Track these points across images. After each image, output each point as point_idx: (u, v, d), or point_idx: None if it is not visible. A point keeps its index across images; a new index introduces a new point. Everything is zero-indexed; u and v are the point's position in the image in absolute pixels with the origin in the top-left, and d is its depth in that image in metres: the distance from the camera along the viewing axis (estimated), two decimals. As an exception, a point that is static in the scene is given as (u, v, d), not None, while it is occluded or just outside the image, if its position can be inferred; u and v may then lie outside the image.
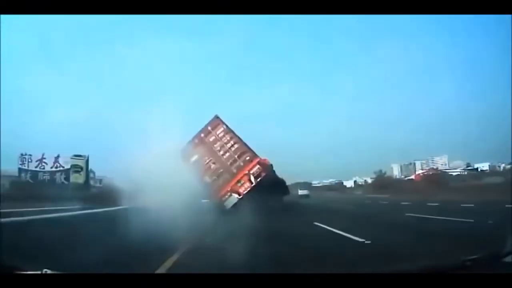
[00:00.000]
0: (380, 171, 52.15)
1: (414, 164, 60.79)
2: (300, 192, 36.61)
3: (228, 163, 12.29)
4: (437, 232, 6.46)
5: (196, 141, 12.89)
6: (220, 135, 12.75)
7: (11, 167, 28.31)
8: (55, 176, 29.22)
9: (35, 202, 13.93)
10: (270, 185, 12.62)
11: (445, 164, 57.45)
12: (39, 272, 1.67)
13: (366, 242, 5.22)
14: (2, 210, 7.99)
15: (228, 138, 12.66)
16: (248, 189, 11.69)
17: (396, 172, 62.14)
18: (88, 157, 29.73)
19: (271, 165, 12.53)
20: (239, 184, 11.80)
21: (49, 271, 1.68)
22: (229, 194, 11.72)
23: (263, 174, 11.90)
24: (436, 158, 59.55)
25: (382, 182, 45.06)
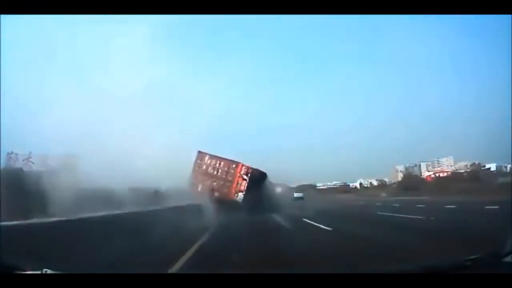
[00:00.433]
0: (407, 168, 49.54)
1: (419, 165, 60.53)
2: (295, 194, 38.27)
3: (224, 176, 17.95)
4: None
5: (196, 171, 18.87)
6: (208, 162, 18.79)
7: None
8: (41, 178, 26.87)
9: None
10: (257, 177, 18.02)
11: (451, 166, 57.21)
12: (39, 272, 1.68)
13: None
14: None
15: (215, 161, 18.51)
16: (246, 185, 17.40)
17: (401, 174, 62.03)
18: (78, 156, 26.18)
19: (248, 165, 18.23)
20: (239, 185, 17.47)
21: (49, 271, 1.68)
22: (236, 194, 17.34)
23: (250, 171, 17.69)
24: (441, 160, 59.26)
25: (410, 182, 38.54)
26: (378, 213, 13.76)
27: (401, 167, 61.69)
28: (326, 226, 8.91)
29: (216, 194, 17.26)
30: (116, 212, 7.51)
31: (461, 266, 1.81)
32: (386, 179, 59.40)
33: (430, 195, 25.21)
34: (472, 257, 1.82)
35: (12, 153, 27.08)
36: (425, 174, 53.37)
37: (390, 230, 8.14)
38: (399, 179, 48.07)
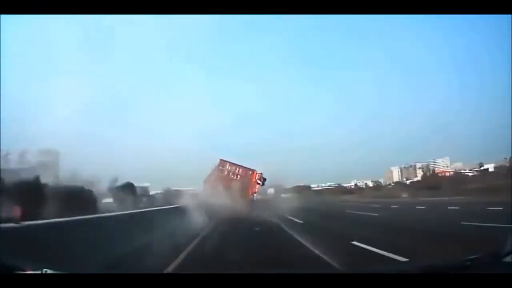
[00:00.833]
0: (427, 166, 47.30)
1: (415, 166, 60.47)
2: (283, 195, 38.86)
3: (242, 180, 22.51)
4: None
5: (217, 176, 23.11)
6: (228, 168, 23.20)
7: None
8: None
9: None
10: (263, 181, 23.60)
11: (447, 166, 57.12)
12: (39, 272, 1.68)
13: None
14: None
15: (234, 168, 23.11)
16: (259, 188, 22.91)
17: (396, 175, 61.81)
18: (58, 153, 25.51)
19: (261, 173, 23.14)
20: (253, 188, 22.51)
21: (49, 271, 1.68)
22: (252, 195, 22.46)
23: (263, 177, 22.76)
24: (438, 160, 59.17)
25: (431, 181, 34.22)
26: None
27: (396, 168, 61.57)
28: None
29: (235, 194, 21.59)
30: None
31: (461, 266, 1.81)
32: (381, 180, 59.43)
33: (460, 195, 23.93)
34: (472, 257, 1.82)
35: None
36: (441, 172, 51.78)
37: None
38: (419, 178, 45.72)
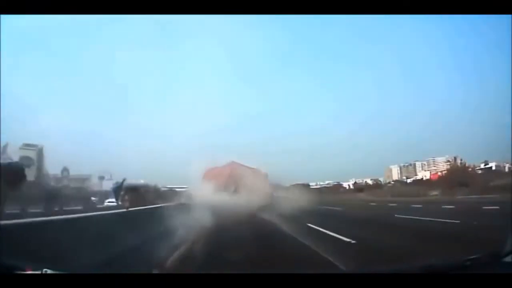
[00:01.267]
0: (401, 168, 46.66)
1: (414, 165, 60.38)
2: (287, 195, 38.79)
3: (253, 181, 22.61)
4: None
5: (230, 176, 23.63)
6: (240, 170, 23.80)
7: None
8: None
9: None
10: None
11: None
12: (39, 272, 1.68)
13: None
14: None
15: (245, 169, 23.88)
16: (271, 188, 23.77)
17: (395, 173, 61.65)
18: (41, 148, 24.22)
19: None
20: (266, 188, 23.17)
21: (49, 271, 1.68)
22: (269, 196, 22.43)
23: (268, 176, 24.06)
24: (437, 159, 59.09)
25: (460, 177, 28.13)
26: None
27: (395, 166, 61.40)
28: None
29: (247, 193, 22.16)
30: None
31: (461, 266, 1.81)
32: (381, 179, 59.23)
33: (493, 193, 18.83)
34: (472, 257, 1.82)
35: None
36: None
37: None
38: (450, 175, 36.64)
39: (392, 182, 54.59)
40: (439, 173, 39.30)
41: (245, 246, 6.17)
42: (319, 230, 8.77)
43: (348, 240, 6.78)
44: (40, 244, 3.43)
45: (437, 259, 2.16)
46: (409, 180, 52.48)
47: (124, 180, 24.18)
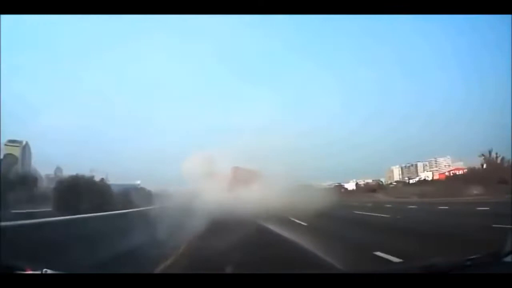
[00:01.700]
0: (403, 168, 45.37)
1: (416, 165, 60.27)
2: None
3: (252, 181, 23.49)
4: None
5: (233, 179, 25.08)
6: (241, 172, 25.74)
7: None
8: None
9: None
10: None
11: (449, 165, 56.94)
12: (39, 272, 1.68)
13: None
14: None
15: (246, 172, 25.68)
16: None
17: (396, 174, 61.45)
18: (25, 144, 22.88)
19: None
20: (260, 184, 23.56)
21: (49, 271, 1.68)
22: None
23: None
24: (439, 159, 58.94)
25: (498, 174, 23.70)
26: None
27: (396, 167, 61.16)
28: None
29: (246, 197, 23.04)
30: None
31: (461, 266, 1.81)
32: (382, 179, 59.12)
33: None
34: (472, 257, 1.82)
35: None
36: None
37: None
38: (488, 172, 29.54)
39: (414, 180, 53.26)
40: (472, 170, 34.17)
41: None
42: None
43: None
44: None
45: (437, 259, 2.16)
46: (434, 178, 50.37)
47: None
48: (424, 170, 58.42)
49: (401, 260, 4.81)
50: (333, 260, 4.82)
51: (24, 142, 23.53)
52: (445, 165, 57.10)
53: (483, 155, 31.90)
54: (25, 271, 1.70)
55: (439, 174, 51.50)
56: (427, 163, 59.86)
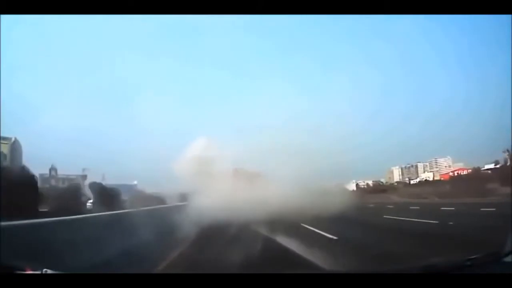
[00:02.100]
0: (403, 169, 45.16)
1: (416, 166, 60.17)
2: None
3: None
4: None
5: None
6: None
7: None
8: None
9: None
10: None
11: (449, 166, 56.87)
12: (39, 272, 1.68)
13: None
14: None
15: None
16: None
17: (396, 175, 61.29)
18: (14, 141, 21.36)
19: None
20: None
21: (49, 271, 1.68)
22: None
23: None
24: (439, 160, 58.83)
25: None
26: None
27: (396, 168, 60.98)
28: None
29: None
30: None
31: (461, 266, 1.81)
32: (382, 180, 58.98)
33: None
34: (472, 257, 1.82)
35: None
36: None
37: None
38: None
39: (416, 181, 52.69)
40: (477, 171, 33.10)
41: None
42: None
43: None
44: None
45: (437, 259, 2.16)
46: (435, 178, 49.72)
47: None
48: (424, 171, 58.35)
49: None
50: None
51: (13, 139, 22.07)
52: (445, 166, 57.05)
53: (508, 150, 29.73)
54: (25, 271, 1.70)
55: (443, 174, 51.35)
56: (427, 163, 59.80)
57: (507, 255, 1.80)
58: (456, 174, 42.89)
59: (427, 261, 1.97)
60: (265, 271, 2.24)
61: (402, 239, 7.30)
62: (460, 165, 52.46)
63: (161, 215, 9.91)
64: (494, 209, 12.07)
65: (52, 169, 29.82)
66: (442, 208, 14.75)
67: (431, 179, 50.91)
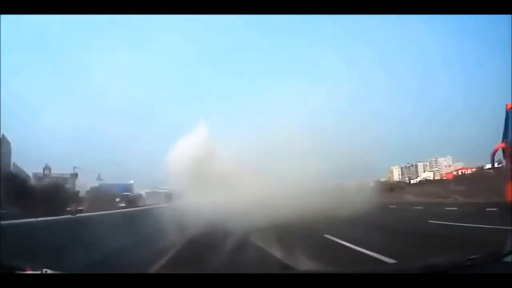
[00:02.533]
0: (403, 169, 45.35)
1: (416, 166, 60.12)
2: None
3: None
4: None
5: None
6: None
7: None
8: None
9: None
10: None
11: (449, 166, 56.83)
12: (39, 272, 1.68)
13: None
14: None
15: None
16: None
17: (396, 174, 61.13)
18: (2, 138, 20.39)
19: None
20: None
21: (49, 271, 1.68)
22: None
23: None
24: (439, 159, 58.79)
25: None
26: None
27: (396, 167, 60.82)
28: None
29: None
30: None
31: (461, 266, 1.81)
32: (382, 180, 58.84)
33: None
34: (472, 257, 1.82)
35: None
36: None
37: None
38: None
39: (416, 181, 52.33)
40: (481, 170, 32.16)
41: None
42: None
43: None
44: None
45: (437, 259, 2.15)
46: (435, 177, 48.83)
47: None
48: (424, 171, 58.37)
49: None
50: None
51: (0, 136, 20.92)
52: (445, 165, 57.04)
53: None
54: (25, 271, 1.70)
55: (446, 173, 51.26)
56: (427, 163, 59.78)
57: (507, 255, 1.80)
58: (459, 173, 42.69)
59: (427, 261, 1.97)
60: (264, 271, 2.24)
61: None
62: (460, 164, 52.44)
63: (124, 223, 7.44)
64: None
65: (46, 168, 30.13)
66: (487, 209, 11.72)
67: (431, 178, 50.89)
